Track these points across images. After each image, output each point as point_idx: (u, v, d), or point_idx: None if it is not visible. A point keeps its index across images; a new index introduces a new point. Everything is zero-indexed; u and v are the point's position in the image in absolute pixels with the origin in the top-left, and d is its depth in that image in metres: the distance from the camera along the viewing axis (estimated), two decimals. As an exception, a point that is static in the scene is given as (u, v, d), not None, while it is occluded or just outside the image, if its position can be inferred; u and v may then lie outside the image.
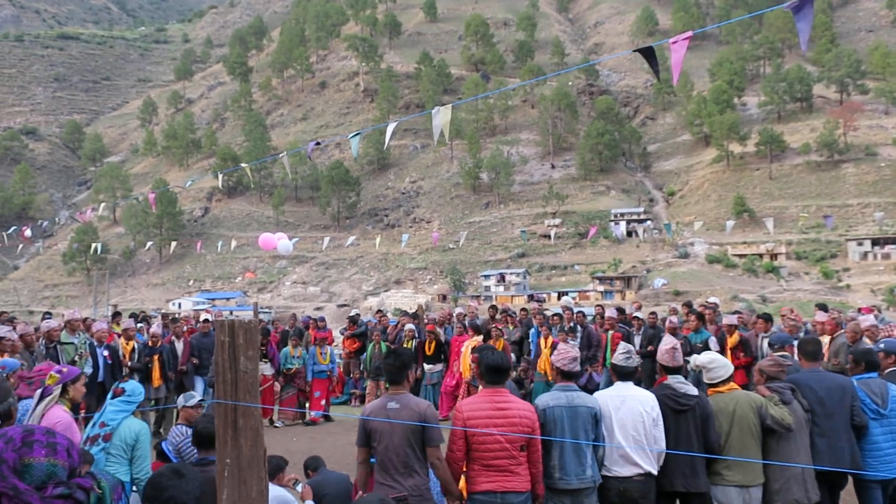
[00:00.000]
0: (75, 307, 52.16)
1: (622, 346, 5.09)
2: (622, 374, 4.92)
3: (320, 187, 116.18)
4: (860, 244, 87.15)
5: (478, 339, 11.36)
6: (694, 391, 4.95)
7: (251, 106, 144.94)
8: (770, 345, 8.17)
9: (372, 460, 4.46)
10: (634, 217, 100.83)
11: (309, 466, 5.74)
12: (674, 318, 11.96)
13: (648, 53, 5.41)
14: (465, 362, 11.37)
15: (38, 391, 4.41)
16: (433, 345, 12.38)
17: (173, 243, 71.31)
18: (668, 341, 5.17)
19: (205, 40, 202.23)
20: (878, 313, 11.08)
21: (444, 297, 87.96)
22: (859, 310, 12.46)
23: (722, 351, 9.99)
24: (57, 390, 4.42)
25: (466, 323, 12.52)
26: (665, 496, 4.87)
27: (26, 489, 2.15)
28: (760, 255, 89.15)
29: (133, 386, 5.15)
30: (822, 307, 10.62)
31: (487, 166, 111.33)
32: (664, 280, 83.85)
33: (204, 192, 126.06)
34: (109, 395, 5.13)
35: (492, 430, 4.32)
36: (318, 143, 9.71)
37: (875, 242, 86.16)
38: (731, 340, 10.29)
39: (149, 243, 72.08)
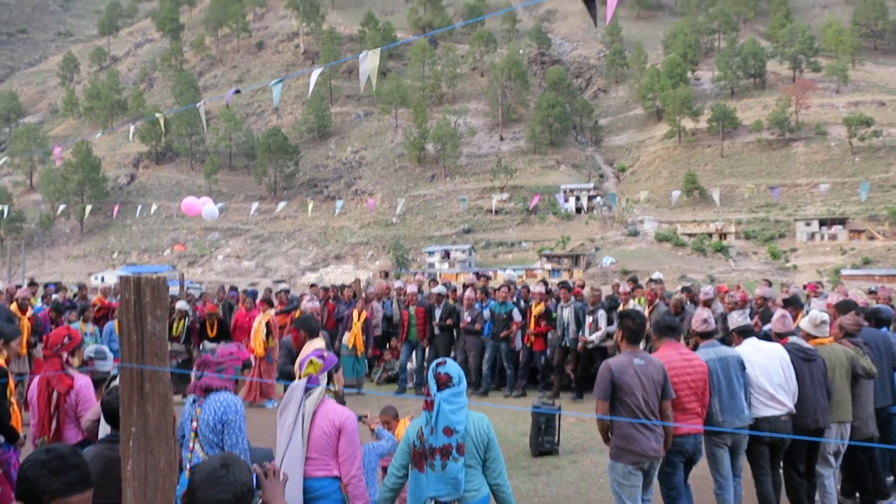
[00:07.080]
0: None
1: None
2: (743, 332, 5.70)
3: (256, 155, 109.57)
4: (808, 224, 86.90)
5: (270, 314, 10.88)
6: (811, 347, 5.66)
7: (182, 66, 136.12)
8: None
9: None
10: (584, 193, 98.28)
11: None
12: (471, 294, 12.16)
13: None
14: (257, 339, 10.74)
15: (300, 383, 3.73)
16: (215, 325, 11.54)
17: (88, 208, 63.86)
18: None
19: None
20: (821, 288, 11.77)
21: (387, 274, 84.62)
22: (804, 286, 13.39)
23: (525, 318, 11.44)
24: (323, 380, 3.80)
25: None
26: (801, 435, 5.42)
27: None
28: (710, 234, 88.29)
29: (456, 368, 3.82)
30: (768, 282, 11.96)
31: (433, 137, 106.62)
32: (612, 259, 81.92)
33: (130, 157, 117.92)
34: (434, 387, 3.78)
35: (684, 377, 4.96)
36: (237, 91, 9.18)
37: (822, 223, 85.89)
38: (536, 310, 11.33)
39: (61, 207, 64.30)
